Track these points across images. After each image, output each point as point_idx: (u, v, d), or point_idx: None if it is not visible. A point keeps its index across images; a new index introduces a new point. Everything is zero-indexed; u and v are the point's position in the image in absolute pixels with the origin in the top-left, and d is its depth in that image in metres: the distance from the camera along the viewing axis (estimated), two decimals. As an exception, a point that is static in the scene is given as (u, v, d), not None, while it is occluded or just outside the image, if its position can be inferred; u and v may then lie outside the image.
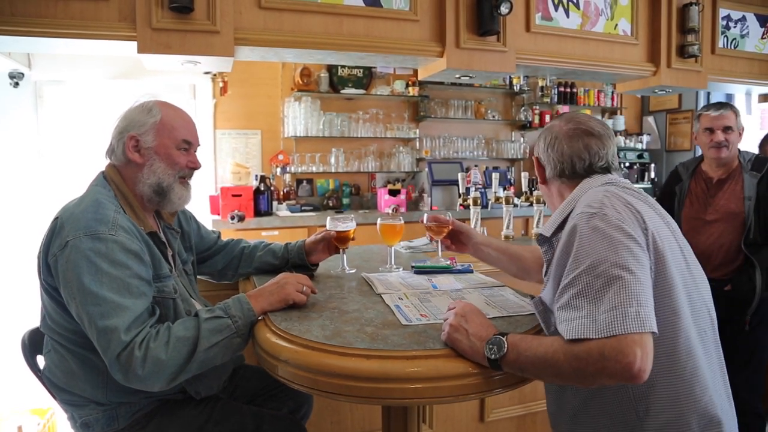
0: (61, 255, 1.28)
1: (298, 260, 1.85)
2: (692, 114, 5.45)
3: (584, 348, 1.01)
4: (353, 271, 1.82)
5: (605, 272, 1.05)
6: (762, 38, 3.60)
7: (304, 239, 1.89)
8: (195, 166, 1.56)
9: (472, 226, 2.79)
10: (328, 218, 1.82)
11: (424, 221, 1.84)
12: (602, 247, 1.07)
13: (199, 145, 1.59)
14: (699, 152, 2.66)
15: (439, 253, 1.90)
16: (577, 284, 1.07)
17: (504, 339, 1.10)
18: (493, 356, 1.09)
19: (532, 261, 1.72)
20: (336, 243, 1.82)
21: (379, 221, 1.89)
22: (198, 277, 1.80)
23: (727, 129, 2.43)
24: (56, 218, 1.35)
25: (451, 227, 1.80)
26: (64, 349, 1.39)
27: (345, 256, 1.85)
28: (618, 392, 1.17)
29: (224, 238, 1.91)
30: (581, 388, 1.22)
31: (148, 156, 1.47)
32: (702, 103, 5.40)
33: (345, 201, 4.84)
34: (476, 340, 1.12)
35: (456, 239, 1.84)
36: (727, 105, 2.49)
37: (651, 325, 1.01)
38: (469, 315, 1.18)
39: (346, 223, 1.79)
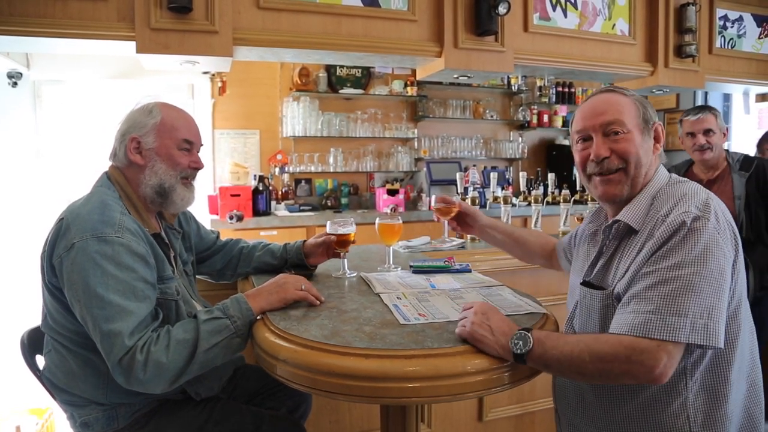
0: (67, 256, 1.28)
1: (297, 260, 1.85)
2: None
3: (612, 351, 1.05)
4: (354, 274, 1.81)
5: (687, 276, 1.06)
6: (759, 38, 3.61)
7: (303, 240, 1.89)
8: (197, 166, 1.56)
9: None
10: (329, 222, 1.81)
11: (432, 203, 1.87)
12: (695, 252, 1.08)
13: (201, 145, 1.59)
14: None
15: (445, 234, 1.92)
16: (656, 276, 1.09)
17: (529, 334, 1.12)
18: (518, 351, 1.11)
19: (536, 245, 1.77)
20: (336, 246, 1.81)
21: (377, 221, 1.89)
22: (197, 277, 1.81)
23: (707, 132, 2.48)
24: (61, 219, 1.35)
25: (458, 208, 1.84)
26: (65, 350, 1.39)
27: (346, 260, 1.84)
28: (672, 404, 1.17)
29: (223, 238, 1.91)
30: (628, 399, 1.22)
31: (150, 157, 1.47)
32: (699, 102, 5.41)
33: (343, 201, 4.84)
34: (501, 336, 1.14)
35: (462, 221, 1.88)
36: (706, 108, 2.54)
37: (718, 340, 1.05)
38: (489, 313, 1.20)
39: (347, 227, 1.78)
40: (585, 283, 1.31)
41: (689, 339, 1.03)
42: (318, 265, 1.89)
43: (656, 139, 1.29)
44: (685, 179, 1.28)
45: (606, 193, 1.29)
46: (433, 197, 1.89)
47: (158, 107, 1.50)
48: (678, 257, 1.08)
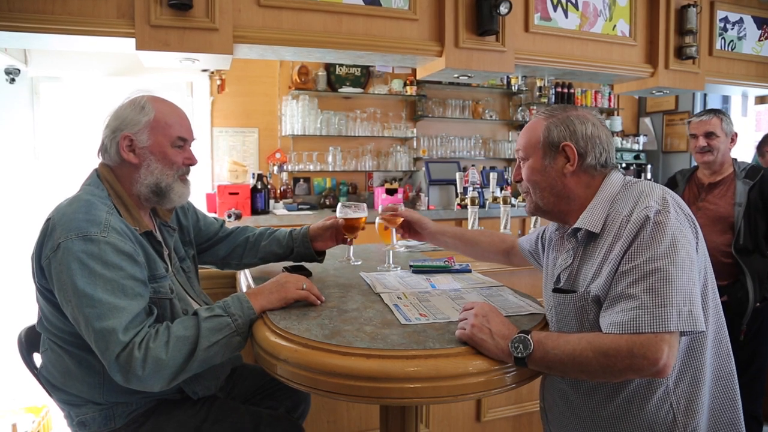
0: (54, 257, 1.26)
1: (303, 248, 1.82)
2: (689, 115, 5.48)
3: (614, 345, 1.06)
4: (359, 262, 1.79)
5: (663, 267, 1.09)
6: (759, 40, 3.61)
7: (307, 226, 1.84)
8: (192, 162, 1.53)
9: (470, 225, 2.79)
10: (339, 205, 1.78)
11: (379, 211, 1.87)
12: (665, 244, 1.11)
13: (194, 139, 1.55)
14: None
15: (394, 240, 1.94)
16: (634, 273, 1.12)
17: (528, 337, 1.13)
18: (519, 355, 1.12)
19: (488, 245, 1.83)
20: (344, 231, 1.78)
21: (377, 220, 1.89)
22: (202, 267, 1.78)
23: (709, 134, 2.48)
24: (48, 219, 1.33)
25: (402, 219, 1.84)
26: (61, 349, 1.38)
27: (352, 247, 1.82)
28: (655, 394, 1.19)
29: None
30: (613, 396, 1.24)
31: (144, 156, 1.43)
32: (699, 104, 5.43)
33: (342, 200, 4.84)
34: (500, 339, 1.14)
35: (410, 229, 1.89)
36: (712, 111, 2.55)
37: (702, 323, 1.08)
38: (489, 315, 1.19)
39: (357, 212, 1.75)
40: (556, 290, 1.33)
41: (678, 327, 1.05)
42: (326, 252, 1.87)
43: (567, 159, 1.30)
44: (639, 179, 1.31)
45: (527, 210, 1.43)
46: (380, 207, 1.89)
47: (150, 103, 1.46)
48: (651, 251, 1.11)
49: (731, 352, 1.27)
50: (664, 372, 1.05)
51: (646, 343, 1.04)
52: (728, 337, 1.27)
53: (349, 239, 1.80)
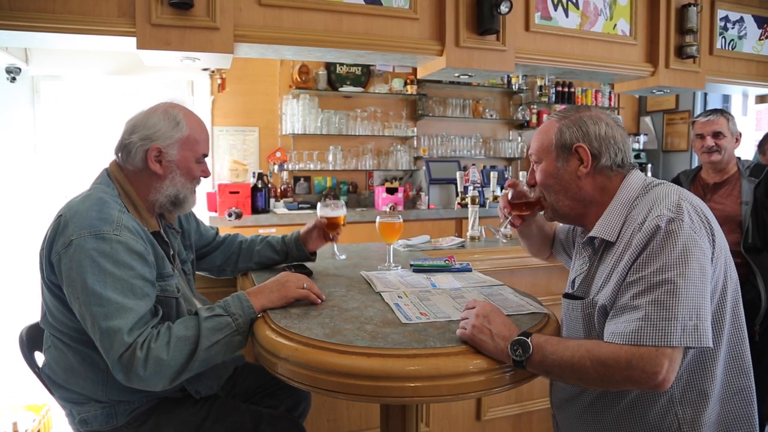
0: (65, 254, 1.27)
1: (297, 251, 1.88)
2: (689, 115, 5.48)
3: (612, 356, 1.05)
4: (344, 257, 1.82)
5: (672, 279, 1.06)
6: (759, 39, 3.61)
7: (298, 231, 1.91)
8: (207, 175, 1.59)
9: (471, 224, 2.79)
10: (319, 204, 1.85)
11: (509, 197, 1.53)
12: (676, 254, 1.08)
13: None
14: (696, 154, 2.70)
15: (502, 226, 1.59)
16: (641, 284, 1.10)
17: (528, 340, 1.12)
18: (518, 358, 1.11)
19: (551, 233, 1.70)
20: (327, 229, 1.84)
21: (378, 219, 1.89)
22: (197, 273, 1.80)
23: (717, 134, 2.48)
24: (60, 215, 1.34)
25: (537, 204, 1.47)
26: (65, 346, 1.39)
27: (335, 244, 1.87)
28: (658, 402, 1.19)
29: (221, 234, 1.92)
30: (618, 401, 1.23)
31: (170, 169, 1.47)
32: (699, 103, 5.43)
33: (342, 199, 4.84)
34: (500, 341, 1.13)
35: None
36: (718, 111, 2.55)
37: (708, 339, 1.05)
38: (490, 315, 1.18)
39: (336, 210, 1.81)
40: (566, 295, 1.33)
41: (681, 342, 1.03)
42: (317, 251, 1.92)
43: (580, 160, 1.28)
44: (662, 181, 1.29)
45: (546, 216, 1.42)
46: (504, 190, 1.54)
47: (184, 120, 1.49)
48: (660, 261, 1.09)
49: (751, 366, 1.24)
50: (662, 386, 1.03)
51: (645, 356, 1.03)
52: (749, 351, 1.24)
53: (332, 236, 1.85)
